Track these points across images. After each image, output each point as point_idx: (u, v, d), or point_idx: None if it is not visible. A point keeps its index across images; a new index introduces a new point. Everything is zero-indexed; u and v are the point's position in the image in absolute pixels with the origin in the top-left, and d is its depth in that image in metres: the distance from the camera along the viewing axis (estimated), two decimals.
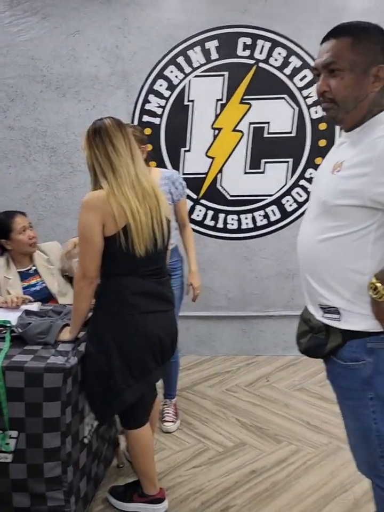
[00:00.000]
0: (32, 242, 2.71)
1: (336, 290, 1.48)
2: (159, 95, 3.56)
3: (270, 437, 2.82)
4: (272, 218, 3.67)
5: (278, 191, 3.62)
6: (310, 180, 3.57)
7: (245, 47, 3.45)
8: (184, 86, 3.53)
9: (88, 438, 2.11)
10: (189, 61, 3.50)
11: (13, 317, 2.22)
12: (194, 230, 3.67)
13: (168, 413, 2.97)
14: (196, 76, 3.51)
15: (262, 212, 3.67)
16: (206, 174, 3.64)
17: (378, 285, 1.39)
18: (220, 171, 3.62)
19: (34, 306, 2.43)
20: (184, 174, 3.63)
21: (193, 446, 2.74)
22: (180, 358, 3.07)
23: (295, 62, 3.44)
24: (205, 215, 3.71)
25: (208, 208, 3.69)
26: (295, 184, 3.61)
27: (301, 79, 3.47)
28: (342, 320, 1.49)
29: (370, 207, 1.38)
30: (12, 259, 2.73)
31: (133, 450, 2.18)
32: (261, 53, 3.45)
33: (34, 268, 2.76)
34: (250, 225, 3.69)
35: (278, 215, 3.66)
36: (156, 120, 3.59)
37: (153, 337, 1.99)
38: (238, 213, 3.69)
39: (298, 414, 3.04)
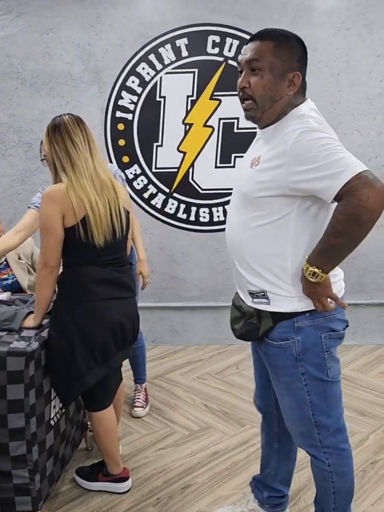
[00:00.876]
0: None
1: (261, 275, 1.61)
2: (131, 91, 3.66)
3: (235, 421, 2.94)
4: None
5: None
6: None
7: (214, 44, 3.56)
8: (156, 83, 3.63)
9: (54, 420, 2.21)
10: (160, 58, 3.60)
11: None
12: (167, 223, 3.79)
13: (138, 398, 3.08)
14: (167, 73, 3.62)
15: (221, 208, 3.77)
16: (178, 168, 3.74)
17: (316, 270, 1.51)
18: (192, 165, 3.72)
19: (4, 296, 2.52)
20: (157, 168, 3.74)
21: (160, 430, 2.85)
22: (155, 348, 3.18)
23: None
24: (178, 208, 3.81)
25: (180, 201, 3.79)
26: None
27: None
28: (271, 304, 1.62)
29: (289, 195, 1.51)
30: None
31: (97, 432, 2.28)
32: (229, 50, 3.56)
33: (5, 262, 2.85)
34: (222, 218, 3.80)
35: None
36: (129, 116, 3.69)
37: (114, 323, 2.10)
38: (209, 206, 3.80)
39: None
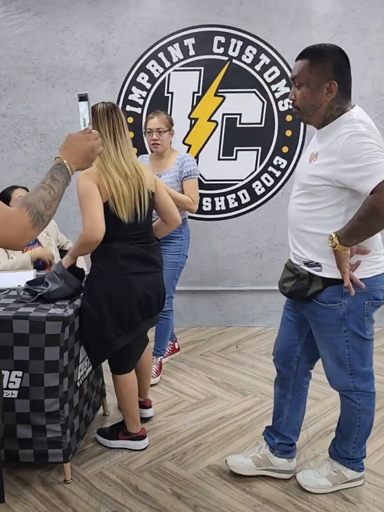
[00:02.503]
0: None
1: (317, 251, 1.98)
2: (141, 87, 3.90)
3: (238, 391, 3.21)
4: (243, 201, 4.05)
5: (248, 176, 4.00)
6: (277, 167, 3.96)
7: (220, 44, 3.80)
8: (164, 79, 3.87)
9: (80, 382, 2.46)
10: (168, 56, 3.84)
11: (17, 281, 2.56)
12: None
13: (152, 368, 3.33)
14: (175, 70, 3.86)
15: (233, 195, 4.04)
16: None
17: (333, 235, 1.87)
18: (196, 157, 3.97)
19: (31, 274, 2.75)
20: None
21: (170, 399, 3.10)
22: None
23: (264, 59, 3.81)
24: None
25: None
26: (264, 170, 3.98)
27: (270, 75, 3.84)
28: (323, 271, 1.97)
29: (339, 187, 1.86)
30: None
31: (121, 393, 2.54)
32: (234, 50, 3.81)
33: None
34: (223, 207, 4.06)
35: (248, 198, 4.04)
36: (138, 110, 3.93)
37: (140, 295, 2.36)
38: (212, 196, 4.05)
39: (263, 373, 3.43)
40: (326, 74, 1.87)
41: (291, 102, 2.00)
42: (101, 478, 2.40)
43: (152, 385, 3.24)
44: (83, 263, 3.26)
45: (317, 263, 1.98)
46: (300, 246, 2.04)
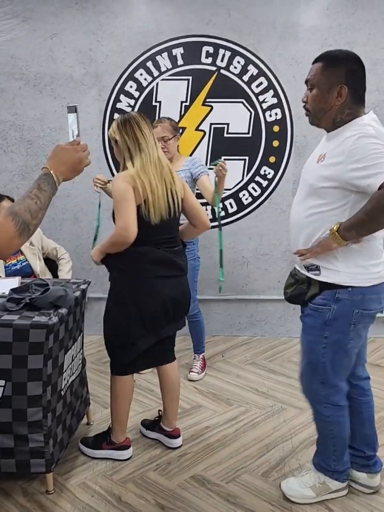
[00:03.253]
0: None
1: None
2: (129, 95, 3.90)
3: (223, 401, 3.20)
4: (230, 210, 4.06)
5: (235, 186, 4.01)
6: (264, 176, 3.98)
7: (208, 55, 3.82)
8: (152, 88, 3.88)
9: (63, 391, 2.43)
10: (157, 65, 3.85)
11: (1, 289, 2.54)
12: None
13: (195, 365, 3.56)
14: (163, 79, 3.87)
15: (220, 205, 4.04)
16: None
17: (335, 227, 1.91)
18: None
19: (15, 281, 2.73)
20: None
21: (155, 408, 3.08)
22: None
23: (252, 70, 3.84)
24: None
25: None
26: (251, 180, 4.00)
27: (257, 86, 3.86)
28: (321, 275, 2.01)
29: (345, 189, 1.88)
30: None
31: (115, 395, 2.53)
32: (222, 60, 3.83)
33: None
34: (210, 217, 4.06)
35: (235, 208, 4.05)
36: None
37: (165, 298, 2.41)
38: None
39: (248, 383, 3.43)
40: (338, 79, 1.91)
41: (303, 104, 2.03)
42: (84, 488, 2.37)
43: (194, 380, 3.46)
44: (69, 274, 3.25)
45: (317, 266, 2.01)
46: (303, 249, 2.06)
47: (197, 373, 3.52)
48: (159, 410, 2.83)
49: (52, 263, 3.33)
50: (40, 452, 2.26)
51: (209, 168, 3.25)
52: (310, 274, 2.05)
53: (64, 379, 2.43)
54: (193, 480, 2.43)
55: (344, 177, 1.86)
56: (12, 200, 3.06)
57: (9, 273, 2.95)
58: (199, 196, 3.19)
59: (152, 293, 2.38)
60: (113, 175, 4.00)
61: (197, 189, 3.30)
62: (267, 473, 2.47)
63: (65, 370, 2.43)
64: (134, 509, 2.24)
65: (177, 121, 3.89)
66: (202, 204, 3.91)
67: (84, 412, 2.82)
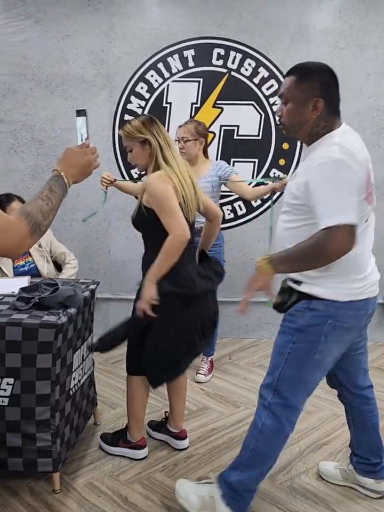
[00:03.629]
0: None
1: None
2: (139, 96, 3.91)
3: (230, 403, 3.19)
4: (239, 213, 4.06)
5: None
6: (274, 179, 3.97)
7: (219, 57, 3.83)
8: (163, 89, 3.89)
9: (72, 391, 2.44)
10: (168, 67, 3.86)
11: (11, 288, 2.55)
12: None
13: (203, 367, 3.56)
14: (174, 81, 3.88)
15: (230, 207, 4.05)
16: None
17: (265, 262, 1.88)
18: None
19: (25, 280, 2.74)
20: None
21: (161, 409, 3.08)
22: None
23: (263, 72, 3.84)
24: None
25: None
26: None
27: (268, 88, 3.86)
28: (301, 286, 1.96)
29: (313, 207, 1.83)
30: None
31: (133, 394, 2.54)
32: (233, 63, 3.83)
33: None
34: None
35: (244, 210, 4.05)
36: None
37: (205, 314, 2.36)
38: None
39: (256, 385, 3.35)
40: (312, 92, 1.85)
41: (279, 117, 1.99)
42: (91, 488, 2.38)
43: (201, 382, 3.46)
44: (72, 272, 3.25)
45: (298, 281, 1.97)
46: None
47: (204, 375, 3.52)
48: (166, 412, 2.83)
49: (61, 266, 3.33)
50: (48, 451, 2.27)
51: (262, 183, 3.40)
52: (291, 284, 2.00)
53: (74, 379, 2.44)
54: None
55: (306, 200, 1.84)
56: (22, 201, 3.08)
57: (17, 274, 2.97)
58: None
59: (196, 310, 2.30)
60: (123, 176, 4.01)
61: (224, 191, 3.39)
62: (274, 477, 2.46)
63: (75, 370, 2.43)
64: (141, 510, 2.24)
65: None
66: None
67: (91, 411, 2.82)
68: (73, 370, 2.41)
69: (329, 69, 1.91)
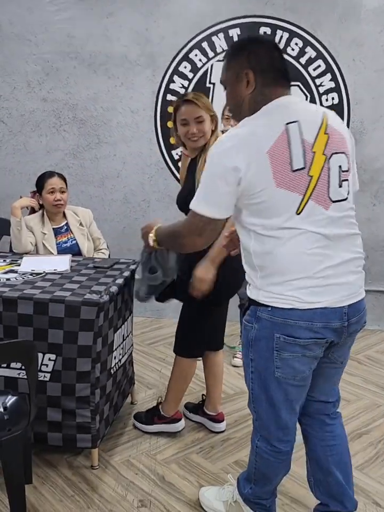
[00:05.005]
0: (55, 203, 2.98)
1: (246, 266, 1.75)
2: (183, 76, 3.87)
3: None
4: None
5: None
6: None
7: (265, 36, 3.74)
8: (207, 69, 3.83)
9: (114, 369, 2.45)
10: (212, 46, 3.79)
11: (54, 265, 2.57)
12: None
13: (239, 351, 3.43)
14: (218, 61, 3.81)
15: None
16: None
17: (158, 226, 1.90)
18: None
19: (66, 259, 2.73)
20: None
21: (199, 392, 3.06)
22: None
23: (310, 52, 3.73)
24: None
25: None
26: None
27: (315, 69, 3.76)
28: (249, 289, 1.73)
29: None
30: (47, 216, 3.05)
31: (183, 375, 2.56)
32: (279, 42, 3.74)
33: (66, 226, 3.07)
34: None
35: None
36: None
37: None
38: None
39: None
40: (241, 66, 1.63)
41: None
42: (128, 466, 2.39)
43: (238, 366, 3.39)
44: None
45: (247, 282, 1.74)
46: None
47: (241, 358, 3.47)
48: (203, 395, 2.82)
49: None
50: (87, 427, 2.29)
51: None
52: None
53: (115, 358, 2.45)
54: (236, 465, 2.42)
55: None
56: (63, 178, 3.07)
57: (60, 251, 2.98)
58: None
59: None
60: (163, 157, 3.98)
61: None
62: None
63: (116, 349, 2.44)
64: (178, 489, 2.24)
65: None
66: None
67: (129, 391, 2.84)
68: (114, 349, 2.42)
69: (258, 37, 1.79)
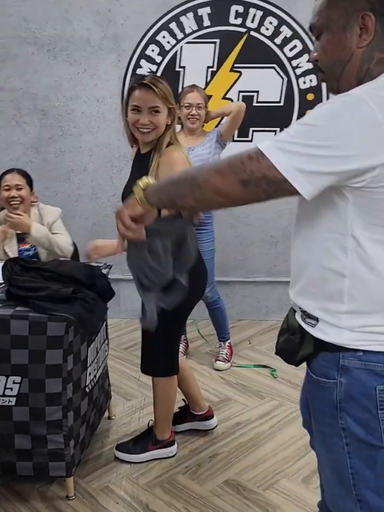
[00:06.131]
0: (10, 201, 2.70)
1: (315, 295, 1.28)
2: (150, 60, 3.60)
3: (253, 393, 2.96)
4: None
5: None
6: None
7: (237, 15, 3.50)
8: (176, 52, 3.58)
9: (89, 387, 2.21)
10: (181, 27, 3.54)
11: None
12: None
13: (221, 353, 3.34)
14: (188, 43, 3.56)
15: None
16: None
17: (148, 180, 1.32)
18: None
19: None
20: None
21: (179, 402, 2.85)
22: None
23: (286, 31, 3.51)
24: None
25: None
26: None
27: (291, 49, 3.54)
28: (316, 327, 1.23)
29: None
30: None
31: (166, 396, 2.34)
32: (252, 21, 3.50)
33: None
34: None
35: None
36: None
37: None
38: None
39: (279, 373, 3.18)
40: (354, 4, 1.15)
41: (314, 64, 1.27)
42: (107, 493, 2.16)
43: (221, 370, 3.24)
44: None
45: (315, 316, 1.23)
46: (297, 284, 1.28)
47: (223, 361, 3.29)
48: (183, 399, 2.61)
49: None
50: (60, 454, 2.06)
51: None
52: (302, 323, 1.27)
53: (89, 374, 2.21)
54: (226, 485, 2.21)
55: None
56: (23, 174, 2.78)
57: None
58: None
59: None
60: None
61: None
62: (308, 479, 2.24)
63: (90, 365, 2.20)
64: None
65: (203, 88, 3.61)
66: None
67: (105, 406, 2.60)
68: (88, 365, 2.17)
69: None
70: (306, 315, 1.25)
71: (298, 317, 1.30)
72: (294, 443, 2.49)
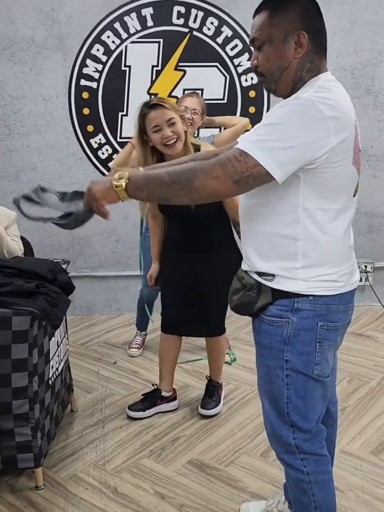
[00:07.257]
0: None
1: (269, 256, 1.58)
2: (96, 59, 3.65)
3: None
4: None
5: None
6: None
7: (180, 15, 3.60)
8: (121, 51, 3.64)
9: (51, 380, 2.26)
10: (125, 26, 3.60)
11: None
12: None
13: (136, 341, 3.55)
14: (132, 42, 3.63)
15: None
16: None
17: (127, 173, 1.44)
18: None
19: None
20: (121, 138, 3.76)
21: (140, 390, 2.93)
22: (120, 316, 3.25)
23: (226, 31, 3.64)
24: None
25: None
26: None
27: (232, 48, 3.68)
28: (274, 281, 1.51)
29: None
30: None
31: (223, 350, 2.83)
32: (194, 21, 3.62)
33: None
34: None
35: None
36: (93, 84, 3.68)
37: None
38: None
39: (240, 360, 3.32)
40: (292, 24, 1.42)
41: (254, 69, 1.52)
42: (76, 481, 2.23)
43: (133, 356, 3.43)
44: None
45: (268, 274, 1.52)
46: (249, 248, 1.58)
47: (136, 348, 3.50)
48: (154, 384, 2.80)
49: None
50: (28, 446, 2.11)
51: None
52: (260, 280, 1.53)
53: (52, 367, 2.27)
54: (190, 465, 2.32)
55: None
56: None
57: None
58: None
59: None
60: (81, 146, 3.77)
61: None
62: (266, 453, 2.38)
63: (52, 358, 2.26)
64: (133, 500, 2.11)
65: (148, 87, 3.71)
66: None
67: (68, 399, 2.66)
68: (50, 358, 2.23)
69: None
70: (263, 274, 1.53)
71: (254, 276, 1.56)
72: (251, 422, 2.63)
